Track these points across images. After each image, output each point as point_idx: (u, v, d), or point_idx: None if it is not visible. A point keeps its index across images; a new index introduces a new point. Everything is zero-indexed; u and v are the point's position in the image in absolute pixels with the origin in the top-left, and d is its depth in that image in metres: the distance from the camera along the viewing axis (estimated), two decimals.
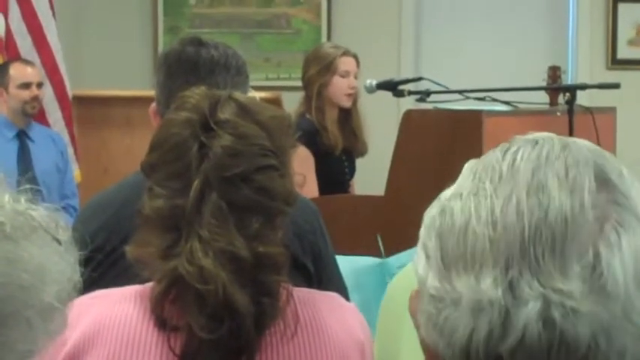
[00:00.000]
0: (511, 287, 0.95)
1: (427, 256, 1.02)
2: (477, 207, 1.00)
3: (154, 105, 2.38)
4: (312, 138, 4.71)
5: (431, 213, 1.05)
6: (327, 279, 2.27)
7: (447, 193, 1.05)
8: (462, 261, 0.98)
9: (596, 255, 0.96)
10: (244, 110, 1.69)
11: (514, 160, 1.02)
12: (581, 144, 1.03)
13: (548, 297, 0.94)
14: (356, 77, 4.90)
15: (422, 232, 1.05)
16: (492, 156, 1.04)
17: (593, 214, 0.97)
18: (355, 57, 4.93)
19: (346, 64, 4.88)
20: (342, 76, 4.85)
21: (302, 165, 4.50)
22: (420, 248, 1.04)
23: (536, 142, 1.03)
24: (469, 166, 1.06)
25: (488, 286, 0.96)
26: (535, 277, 0.95)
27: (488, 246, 0.97)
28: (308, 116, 4.82)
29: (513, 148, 1.04)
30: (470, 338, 0.97)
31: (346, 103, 4.87)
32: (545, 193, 0.98)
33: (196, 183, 1.62)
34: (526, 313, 0.95)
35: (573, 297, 0.94)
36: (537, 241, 0.96)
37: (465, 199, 1.01)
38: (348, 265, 2.96)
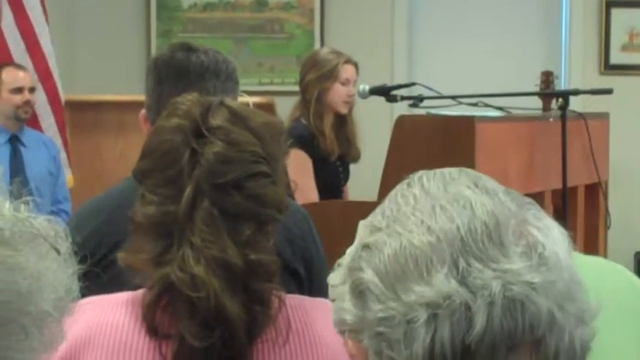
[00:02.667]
0: (463, 278, 0.99)
1: (360, 291, 1.05)
2: (404, 226, 1.03)
3: (143, 111, 2.37)
4: (309, 143, 4.71)
5: (350, 256, 1.07)
6: (319, 284, 2.26)
7: (357, 241, 1.08)
8: (408, 274, 1.01)
9: (531, 237, 1.02)
10: (236, 116, 1.68)
11: (422, 184, 1.07)
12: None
13: (502, 278, 0.98)
14: (354, 85, 4.89)
15: (342, 274, 1.08)
16: (394, 192, 1.09)
17: (514, 206, 1.04)
18: (356, 65, 4.93)
19: (347, 71, 4.88)
20: (343, 84, 4.84)
21: (300, 169, 4.49)
22: (346, 289, 1.07)
23: (433, 172, 1.09)
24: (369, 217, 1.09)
25: (441, 283, 0.99)
26: (483, 264, 0.99)
27: (429, 250, 1.00)
28: (304, 121, 4.81)
29: (414, 179, 1.09)
30: (432, 340, 0.98)
31: (343, 110, 4.87)
32: (465, 199, 1.03)
33: (188, 190, 1.61)
34: (487, 297, 0.97)
35: (523, 273, 0.99)
36: (474, 234, 1.00)
37: (387, 228, 1.05)
38: None
